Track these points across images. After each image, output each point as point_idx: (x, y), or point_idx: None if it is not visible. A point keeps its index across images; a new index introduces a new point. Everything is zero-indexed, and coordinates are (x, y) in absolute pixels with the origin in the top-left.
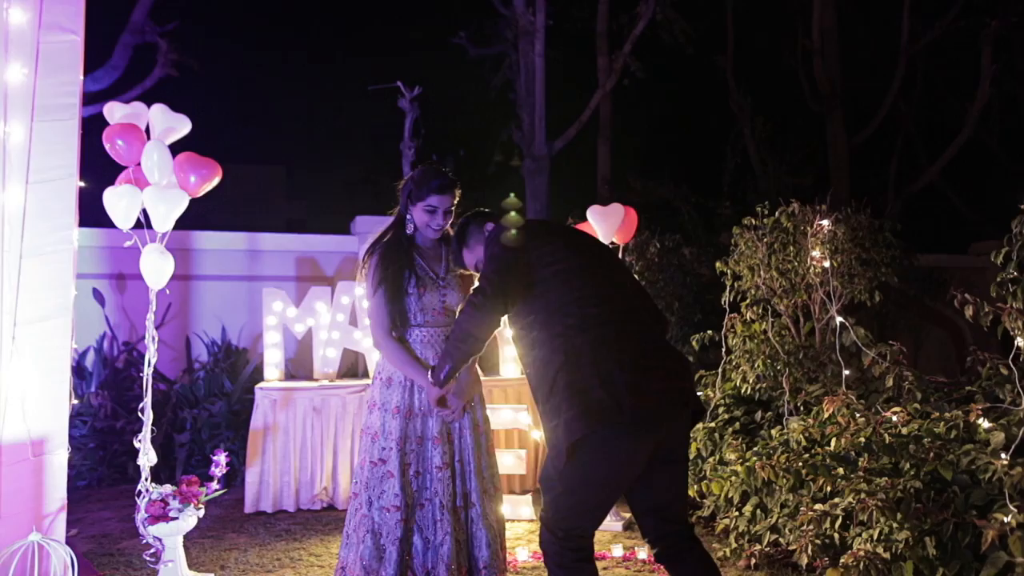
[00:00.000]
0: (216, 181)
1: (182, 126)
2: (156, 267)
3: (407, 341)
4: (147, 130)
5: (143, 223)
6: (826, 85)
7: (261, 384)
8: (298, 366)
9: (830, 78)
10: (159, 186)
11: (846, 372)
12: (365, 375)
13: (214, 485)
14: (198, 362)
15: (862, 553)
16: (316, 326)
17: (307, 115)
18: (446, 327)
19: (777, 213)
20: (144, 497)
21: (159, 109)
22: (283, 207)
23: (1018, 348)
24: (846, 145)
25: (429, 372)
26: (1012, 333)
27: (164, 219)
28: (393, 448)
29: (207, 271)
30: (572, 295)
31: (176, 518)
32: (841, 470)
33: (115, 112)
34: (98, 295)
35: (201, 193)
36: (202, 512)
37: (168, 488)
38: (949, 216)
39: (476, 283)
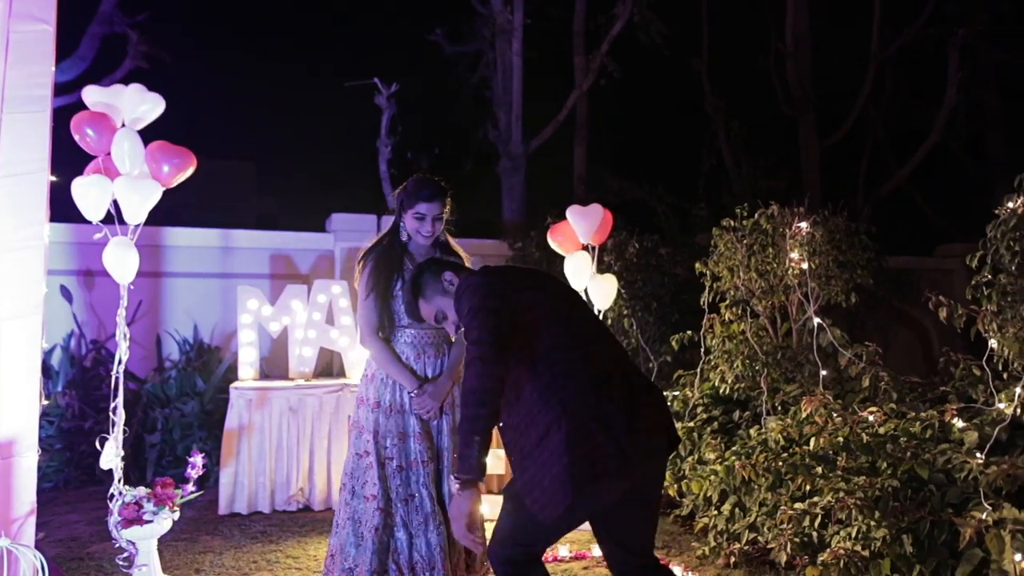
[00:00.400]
0: (190, 171)
1: (156, 106)
2: (121, 261)
3: (391, 342)
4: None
5: (114, 217)
6: (798, 89)
7: (236, 383)
8: (272, 365)
9: (802, 82)
10: (130, 176)
11: (823, 372)
12: (341, 374)
13: (190, 487)
14: (169, 361)
15: (842, 551)
16: (292, 325)
17: (279, 110)
18: (431, 329)
19: (756, 215)
20: (117, 500)
21: (135, 89)
22: (253, 203)
23: (991, 350)
24: (818, 148)
25: (455, 463)
26: (986, 335)
27: (136, 211)
28: (371, 441)
29: (178, 268)
30: (553, 341)
31: (151, 521)
32: (820, 469)
33: (92, 95)
34: (65, 292)
35: (175, 183)
36: (177, 515)
37: (142, 490)
38: (915, 219)
39: (466, 343)
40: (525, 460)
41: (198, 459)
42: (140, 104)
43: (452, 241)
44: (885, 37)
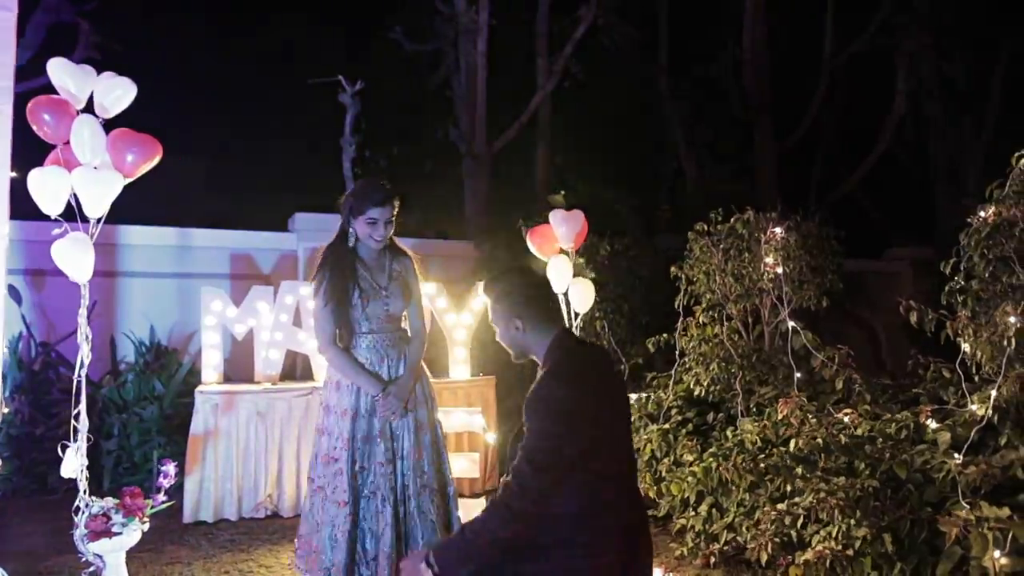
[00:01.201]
0: (156, 160)
1: (126, 91)
2: (76, 257)
3: (350, 350)
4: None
5: (74, 211)
6: (755, 94)
7: (202, 387)
8: (234, 368)
9: (759, 87)
10: (90, 167)
11: (797, 375)
12: (305, 377)
13: (161, 496)
14: (124, 363)
15: (827, 552)
16: (258, 327)
17: (232, 106)
18: (390, 333)
19: (732, 220)
20: (83, 512)
21: (107, 75)
22: (203, 201)
23: (964, 352)
24: (774, 153)
25: (438, 550)
26: (956, 340)
27: (97, 204)
28: (342, 447)
29: (134, 267)
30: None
31: (120, 533)
32: (800, 470)
33: (58, 70)
34: (14, 292)
35: (138, 174)
36: (147, 526)
37: (110, 501)
38: (862, 222)
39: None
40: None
41: (170, 467)
42: (112, 91)
43: (398, 241)
44: (838, 45)
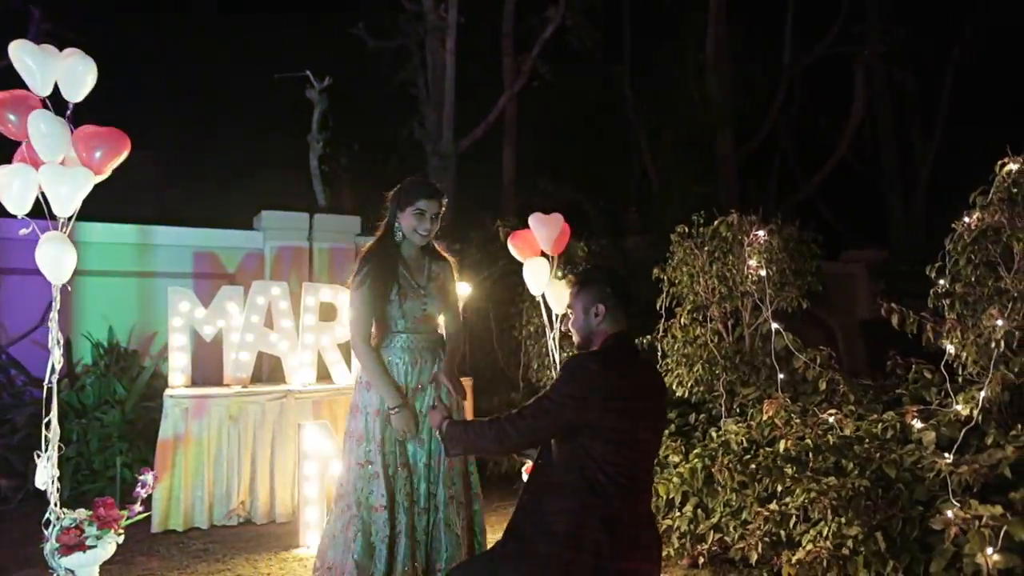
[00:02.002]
0: (124, 155)
1: (88, 70)
2: (57, 258)
3: (384, 349)
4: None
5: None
6: (717, 99)
7: (171, 391)
8: (199, 370)
9: (721, 93)
10: (56, 163)
11: (781, 376)
12: (276, 379)
13: (137, 507)
14: (81, 366)
15: (824, 551)
16: (227, 328)
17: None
18: (426, 334)
19: (716, 223)
20: (54, 525)
21: (70, 51)
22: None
23: (948, 354)
24: (735, 157)
25: (439, 428)
26: (938, 342)
27: (66, 202)
28: (376, 449)
29: (91, 266)
30: (612, 467)
31: (94, 546)
32: (790, 470)
33: (20, 53)
34: None
35: (108, 170)
36: (122, 538)
37: (83, 513)
38: (819, 225)
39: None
40: (542, 541)
41: (149, 476)
42: (74, 70)
43: (439, 247)
44: (797, 53)
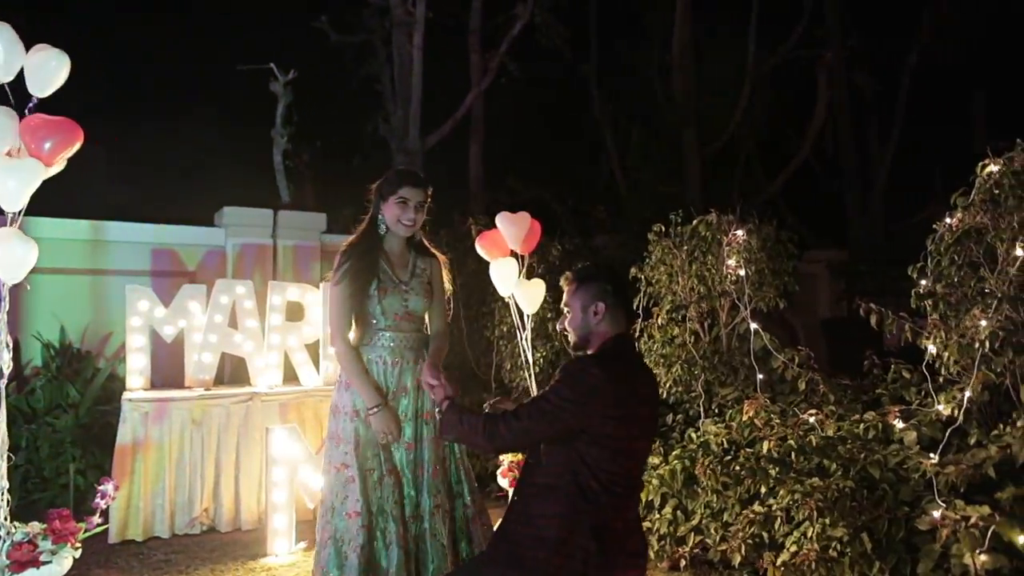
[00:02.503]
0: (77, 146)
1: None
2: (13, 255)
3: (364, 347)
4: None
5: None
6: (682, 99)
7: (129, 394)
8: (157, 372)
9: (686, 93)
10: (2, 154)
11: (760, 376)
12: (239, 381)
13: (96, 519)
14: (31, 368)
15: (812, 553)
16: (189, 328)
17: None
18: (409, 332)
19: (695, 222)
20: (5, 540)
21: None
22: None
23: (931, 355)
24: (699, 157)
25: (439, 407)
26: (923, 342)
27: (15, 196)
28: (351, 452)
29: (41, 263)
30: (610, 479)
31: (49, 562)
32: (773, 471)
33: None
34: None
35: (59, 162)
36: (79, 552)
37: (36, 526)
38: (779, 225)
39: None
40: (532, 546)
41: (109, 487)
42: (49, 66)
43: (428, 244)
44: (761, 55)
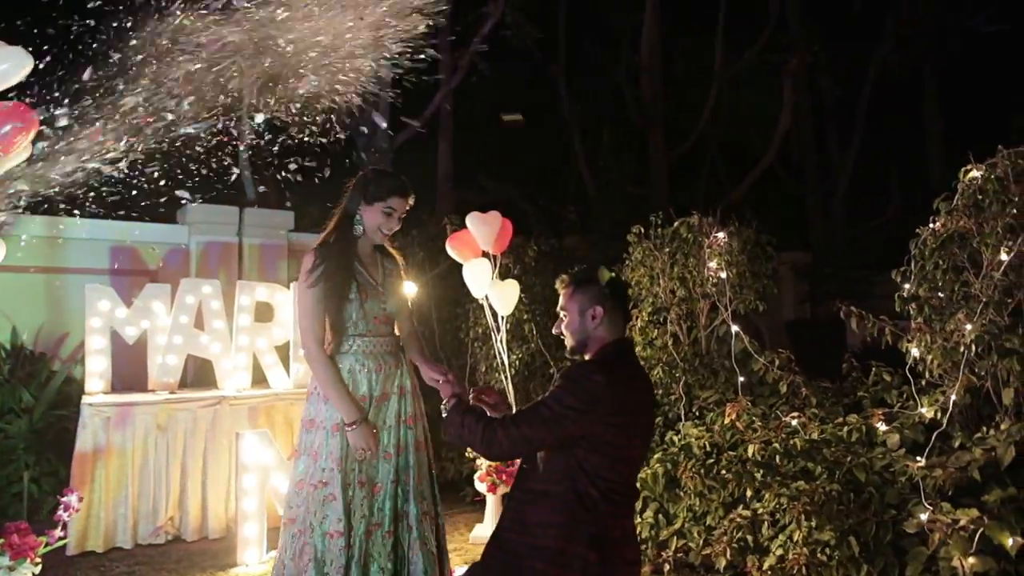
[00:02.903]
0: (32, 133)
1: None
2: None
3: (340, 354)
4: None
5: None
6: (650, 102)
7: (89, 398)
8: (116, 375)
9: (654, 96)
10: None
11: (741, 379)
12: (203, 383)
13: (57, 532)
14: None
15: (801, 557)
16: (153, 329)
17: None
18: (386, 336)
19: (676, 224)
20: None
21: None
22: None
23: (914, 358)
24: (666, 159)
25: (444, 404)
26: (906, 345)
27: None
28: (334, 469)
29: None
30: (609, 486)
31: None
32: (759, 475)
33: None
34: None
35: (16, 151)
36: (39, 568)
37: None
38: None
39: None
40: (529, 556)
41: (72, 498)
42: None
43: (389, 245)
44: (728, 59)
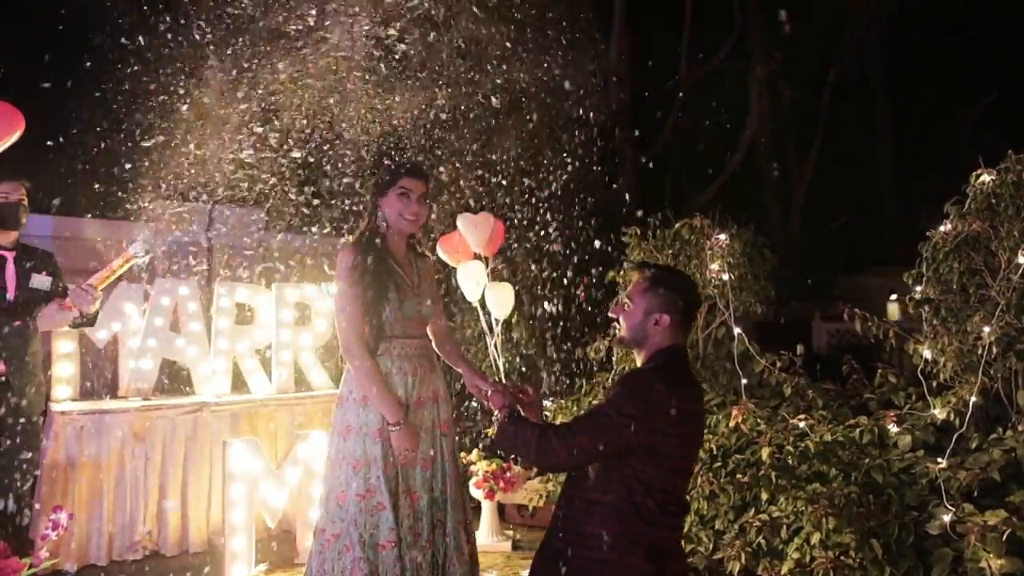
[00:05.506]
0: (17, 134)
1: None
2: None
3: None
4: None
5: None
6: (617, 105)
7: (58, 406)
8: (86, 380)
9: (621, 99)
10: None
11: (744, 381)
12: (176, 389)
13: (43, 553)
14: None
15: (826, 561)
16: (125, 332)
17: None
18: (420, 339)
19: (679, 225)
20: None
21: None
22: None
23: (926, 360)
24: (634, 164)
25: (500, 414)
26: (917, 347)
27: None
28: (380, 476)
29: None
30: (666, 497)
31: None
32: (775, 477)
33: None
34: None
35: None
36: None
37: None
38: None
39: (577, 417)
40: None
41: (62, 515)
42: None
43: (425, 249)
44: (692, 66)
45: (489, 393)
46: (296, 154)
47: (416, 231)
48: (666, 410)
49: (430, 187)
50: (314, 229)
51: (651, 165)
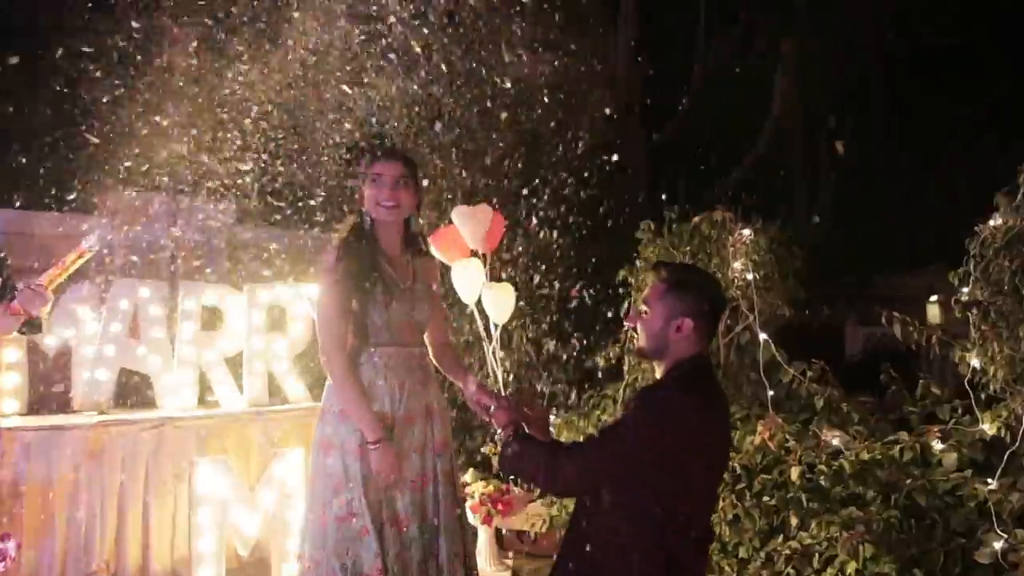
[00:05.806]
0: None
1: None
2: None
3: (357, 367)
4: None
5: None
6: (628, 91)
7: (4, 421)
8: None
9: (630, 85)
10: None
11: (771, 393)
12: (136, 403)
13: None
14: None
15: None
16: (79, 339)
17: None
18: (412, 348)
19: (698, 219)
20: None
21: None
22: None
23: (973, 369)
24: (644, 152)
25: (504, 432)
26: (963, 355)
27: None
28: (359, 498)
29: None
30: (683, 517)
31: None
32: (805, 499)
33: None
34: None
35: None
36: None
37: None
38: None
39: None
40: None
41: (11, 544)
42: None
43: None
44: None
45: (492, 409)
46: (271, 141)
47: (397, 218)
48: (690, 429)
49: (410, 169)
50: (292, 224)
51: (666, 153)
